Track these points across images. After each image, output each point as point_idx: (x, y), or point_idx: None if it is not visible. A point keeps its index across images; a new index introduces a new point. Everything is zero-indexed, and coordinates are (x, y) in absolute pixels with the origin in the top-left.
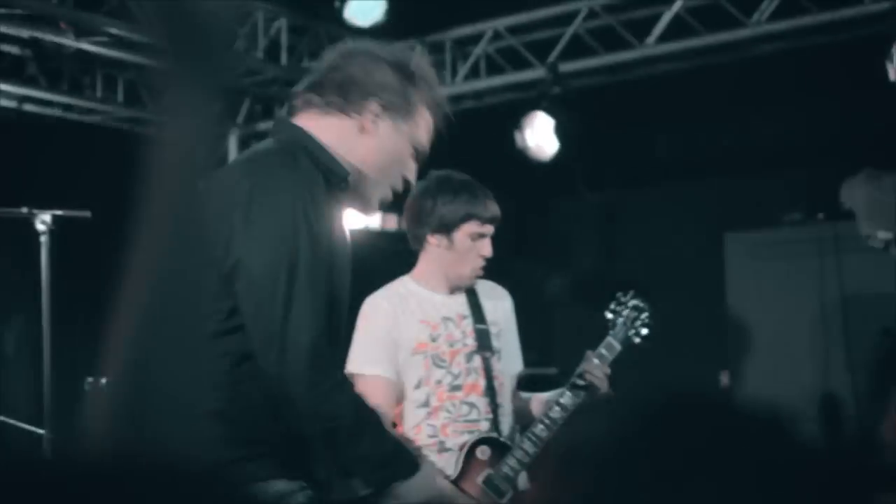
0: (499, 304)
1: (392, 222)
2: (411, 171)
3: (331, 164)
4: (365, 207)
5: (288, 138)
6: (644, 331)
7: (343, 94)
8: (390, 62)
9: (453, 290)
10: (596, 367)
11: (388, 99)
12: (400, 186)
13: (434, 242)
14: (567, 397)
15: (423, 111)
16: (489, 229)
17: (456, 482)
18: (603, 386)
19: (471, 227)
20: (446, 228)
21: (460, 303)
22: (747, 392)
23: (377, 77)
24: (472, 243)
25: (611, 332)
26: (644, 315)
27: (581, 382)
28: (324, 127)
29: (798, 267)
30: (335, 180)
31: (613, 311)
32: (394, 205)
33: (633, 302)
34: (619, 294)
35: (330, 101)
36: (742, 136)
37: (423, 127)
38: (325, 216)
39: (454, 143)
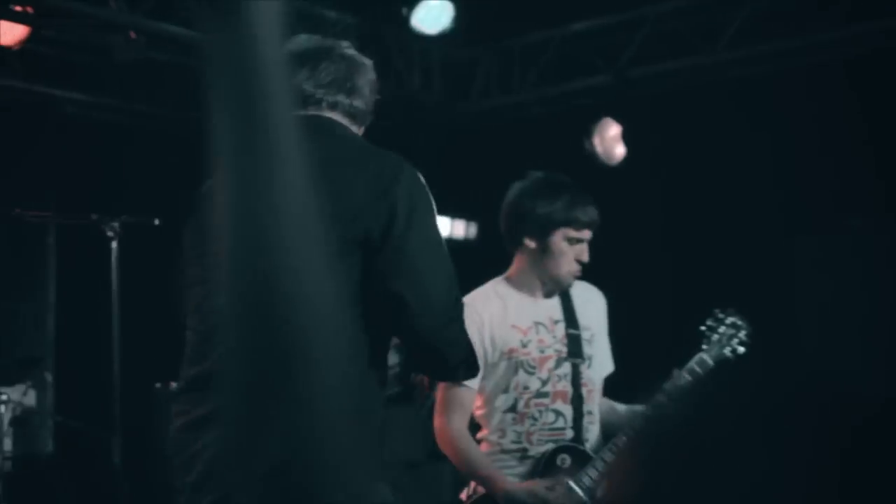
0: (592, 308)
1: (460, 229)
2: None
3: None
4: None
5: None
6: (741, 349)
7: (362, 100)
8: (368, 64)
9: (547, 294)
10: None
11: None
12: None
13: (530, 244)
14: (653, 411)
15: None
16: (587, 234)
17: None
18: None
19: (568, 231)
20: (543, 231)
21: (554, 306)
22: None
23: (371, 81)
24: (568, 247)
25: (704, 347)
26: (742, 333)
27: (665, 399)
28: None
29: (869, 270)
30: None
31: (709, 327)
32: (463, 211)
33: (732, 319)
34: (716, 310)
35: (355, 110)
36: (812, 139)
37: None
38: None
39: (524, 149)
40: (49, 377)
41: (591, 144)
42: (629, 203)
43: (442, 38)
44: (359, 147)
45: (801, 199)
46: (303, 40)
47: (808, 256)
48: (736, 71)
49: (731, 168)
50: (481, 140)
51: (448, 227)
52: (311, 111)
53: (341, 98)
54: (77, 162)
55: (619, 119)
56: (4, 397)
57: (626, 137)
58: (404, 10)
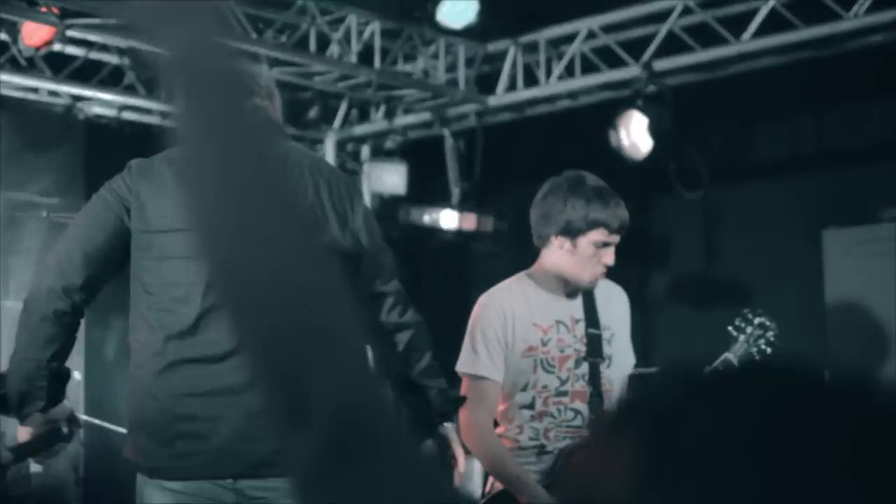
0: (614, 307)
1: (486, 224)
2: None
3: None
4: None
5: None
6: (768, 350)
7: (276, 103)
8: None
9: (570, 293)
10: None
11: None
12: None
13: (557, 244)
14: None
15: None
16: (615, 238)
17: (551, 486)
18: None
19: (597, 234)
20: (572, 233)
21: (575, 306)
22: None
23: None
24: (595, 250)
25: (731, 347)
26: (769, 334)
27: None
28: None
29: None
30: None
31: (737, 328)
32: (490, 206)
33: (759, 320)
34: (745, 311)
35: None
36: (840, 132)
37: None
38: None
39: (549, 143)
40: (78, 376)
41: (617, 137)
42: (655, 196)
43: (467, 32)
44: (304, 151)
45: (832, 191)
46: None
47: (837, 249)
48: (764, 61)
49: (759, 159)
50: (508, 134)
51: (474, 221)
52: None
53: (256, 101)
54: (104, 162)
55: (645, 111)
56: None
57: (653, 130)
58: (429, 6)
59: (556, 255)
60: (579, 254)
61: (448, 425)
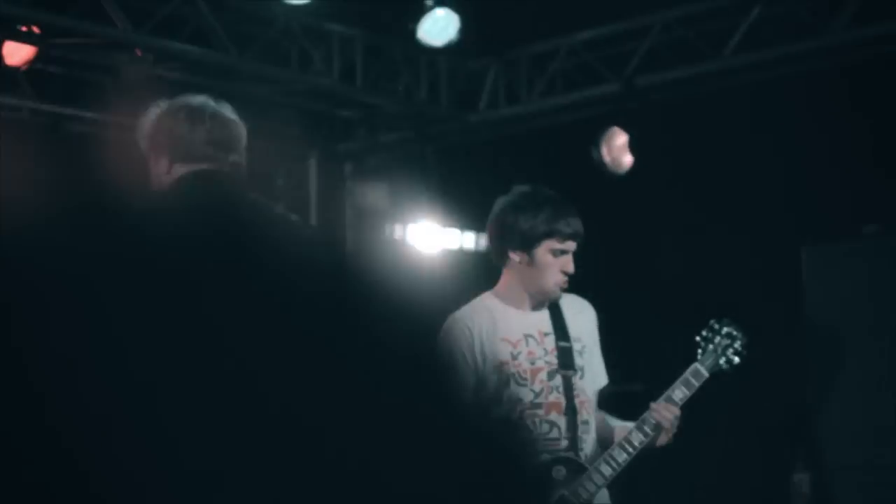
0: (582, 319)
1: (469, 241)
2: None
3: None
4: None
5: None
6: (736, 359)
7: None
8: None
9: (536, 307)
10: (664, 408)
11: None
12: None
13: (515, 258)
14: (637, 433)
15: None
16: (571, 246)
17: None
18: (668, 428)
19: (551, 243)
20: (527, 245)
21: (543, 319)
22: (829, 409)
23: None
24: (553, 259)
25: (699, 358)
26: (738, 343)
27: (651, 421)
28: None
29: (879, 280)
30: None
31: (704, 338)
32: (473, 223)
33: (727, 329)
34: (712, 321)
35: (243, 170)
36: (820, 147)
37: None
38: None
39: (531, 160)
40: None
41: (599, 154)
42: (637, 212)
43: (448, 49)
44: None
45: (811, 207)
46: (192, 98)
47: (817, 265)
48: (744, 77)
49: (739, 175)
50: (489, 151)
51: (458, 238)
52: (209, 166)
53: (235, 158)
54: (85, 180)
55: (626, 128)
56: None
57: (634, 146)
58: (410, 24)
59: (517, 269)
60: (537, 265)
61: None
